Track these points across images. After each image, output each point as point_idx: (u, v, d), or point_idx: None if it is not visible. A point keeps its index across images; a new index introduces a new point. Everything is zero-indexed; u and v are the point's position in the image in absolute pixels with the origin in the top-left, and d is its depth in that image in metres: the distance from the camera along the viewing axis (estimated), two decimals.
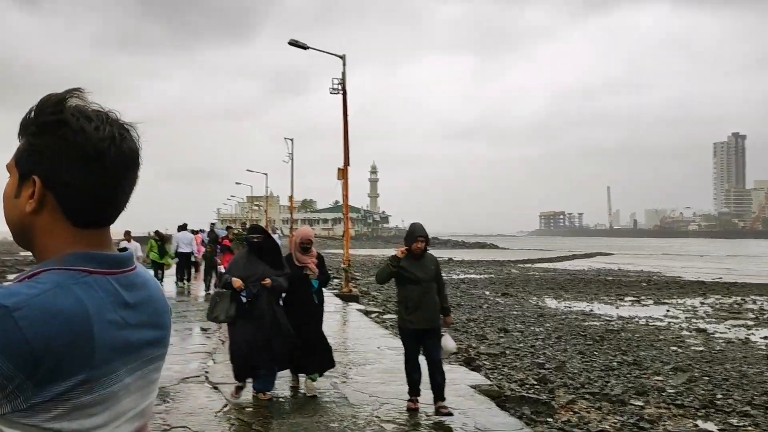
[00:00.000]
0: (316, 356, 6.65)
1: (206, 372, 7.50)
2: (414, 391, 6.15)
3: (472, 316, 16.22)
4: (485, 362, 10.07)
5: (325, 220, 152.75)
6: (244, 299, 6.06)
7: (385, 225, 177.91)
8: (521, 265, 45.48)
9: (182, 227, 20.00)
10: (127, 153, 1.11)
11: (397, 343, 9.79)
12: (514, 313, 17.33)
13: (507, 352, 11.16)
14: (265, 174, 51.93)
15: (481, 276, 33.29)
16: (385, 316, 14.62)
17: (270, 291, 6.14)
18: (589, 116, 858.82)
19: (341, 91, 18.01)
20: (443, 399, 5.98)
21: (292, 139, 36.72)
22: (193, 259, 19.44)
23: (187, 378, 7.21)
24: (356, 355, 8.68)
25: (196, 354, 8.60)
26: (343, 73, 17.99)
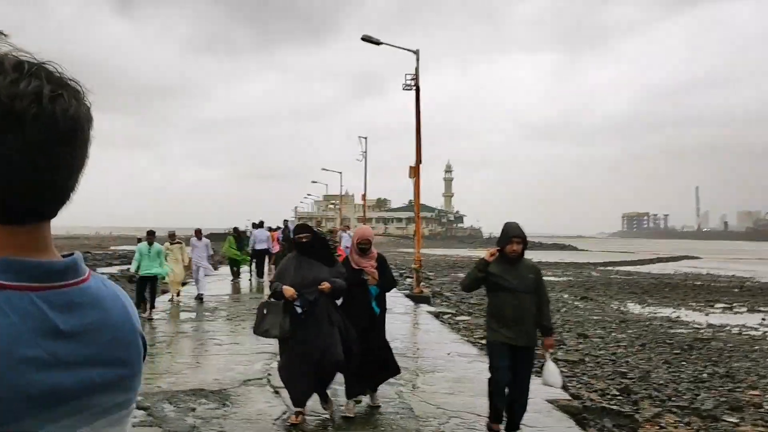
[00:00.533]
0: (374, 373, 5.90)
1: (269, 374, 7.28)
2: (497, 417, 5.28)
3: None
4: (563, 369, 9.45)
5: (399, 219, 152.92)
6: (299, 309, 5.27)
7: (459, 225, 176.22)
8: (602, 268, 43.74)
9: (258, 225, 20.35)
10: (59, 117, 0.78)
11: (469, 348, 9.35)
12: (594, 317, 16.55)
13: (586, 359, 10.56)
14: (340, 173, 52.55)
15: (560, 278, 32.18)
16: (458, 318, 14.16)
17: (328, 296, 5.35)
18: (677, 114, 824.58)
19: (414, 87, 17.63)
20: (516, 430, 5.24)
21: (365, 138, 36.65)
22: (268, 256, 20.01)
23: (249, 380, 7.01)
24: (425, 361, 8.28)
25: (260, 354, 8.42)
26: (416, 69, 17.61)
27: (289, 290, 5.21)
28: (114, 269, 35.07)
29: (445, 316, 14.01)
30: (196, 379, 7.10)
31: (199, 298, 14.22)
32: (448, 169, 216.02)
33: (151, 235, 12.31)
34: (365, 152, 36.19)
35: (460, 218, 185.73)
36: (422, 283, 17.54)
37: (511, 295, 5.03)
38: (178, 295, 14.26)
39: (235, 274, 19.55)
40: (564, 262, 50.67)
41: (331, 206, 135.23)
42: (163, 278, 12.88)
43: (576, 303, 20.28)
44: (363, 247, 5.84)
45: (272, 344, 9.26)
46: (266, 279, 18.38)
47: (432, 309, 14.79)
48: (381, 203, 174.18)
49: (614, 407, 7.05)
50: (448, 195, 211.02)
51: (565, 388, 9.10)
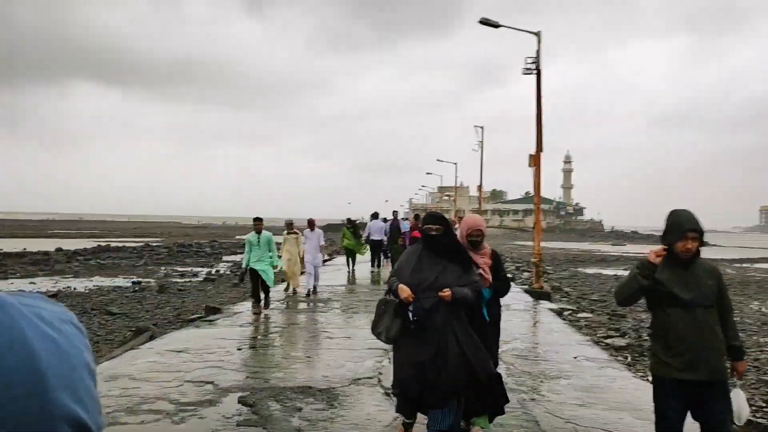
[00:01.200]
0: (486, 394, 4.57)
1: (380, 373, 6.85)
2: None
3: None
4: None
5: (515, 212, 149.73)
6: (411, 316, 4.34)
7: (578, 217, 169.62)
8: (737, 265, 40.27)
9: (374, 216, 20.47)
10: None
11: (597, 352, 8.47)
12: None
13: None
14: (455, 163, 51.74)
15: None
16: (579, 315, 13.19)
17: (450, 306, 4.29)
18: None
19: (535, 71, 16.63)
20: None
21: (482, 127, 35.68)
22: (384, 247, 20.09)
23: (359, 379, 6.60)
24: (549, 365, 7.52)
25: (372, 350, 8.01)
26: (538, 52, 16.59)
27: (404, 290, 4.29)
28: (238, 257, 36.60)
29: (566, 313, 13.09)
30: (305, 375, 6.79)
31: (313, 292, 13.77)
32: (567, 160, 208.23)
33: (258, 222, 11.31)
34: (481, 142, 35.24)
35: (579, 210, 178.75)
36: (542, 278, 16.56)
37: (686, 311, 3.73)
38: (294, 290, 13.92)
39: (351, 266, 19.65)
40: None
41: (446, 198, 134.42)
42: (275, 267, 11.73)
43: None
44: (474, 239, 4.87)
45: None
46: (383, 271, 18.16)
47: (553, 306, 13.86)
48: (496, 195, 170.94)
49: (761, 421, 6.04)
50: (567, 186, 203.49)
51: None
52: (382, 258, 20.83)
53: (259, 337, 9.09)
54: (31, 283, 21.40)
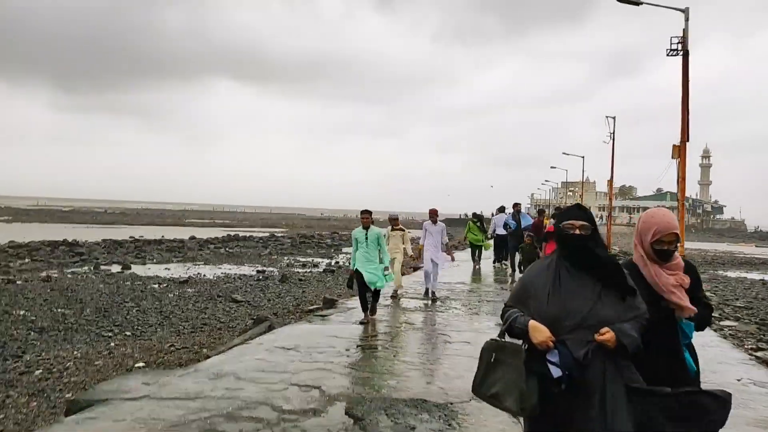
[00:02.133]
0: None
1: None
2: None
3: None
4: None
5: (646, 209, 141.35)
6: (556, 372, 2.74)
7: (718, 216, 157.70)
8: None
9: (500, 210, 20.88)
10: None
11: (765, 374, 7.15)
12: None
13: None
14: (582, 157, 49.06)
15: None
16: (722, 323, 11.61)
17: (611, 355, 2.74)
18: None
19: (681, 52, 14.94)
20: None
21: (614, 117, 33.41)
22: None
23: None
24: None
25: None
26: (685, 30, 14.89)
27: (540, 331, 2.73)
28: None
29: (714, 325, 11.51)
30: (420, 385, 6.08)
31: (432, 298, 11.94)
32: (706, 155, 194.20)
33: (366, 216, 9.62)
34: (612, 133, 33.01)
35: (719, 209, 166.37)
36: None
37: None
38: (396, 293, 12.21)
39: (476, 260, 19.68)
40: None
41: (570, 193, 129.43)
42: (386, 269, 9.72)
43: None
44: (666, 250, 3.10)
45: None
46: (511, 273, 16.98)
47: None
48: (625, 191, 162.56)
49: None
50: (705, 183, 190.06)
51: None
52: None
53: (371, 337, 8.50)
54: (166, 268, 22.29)
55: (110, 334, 10.54)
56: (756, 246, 68.90)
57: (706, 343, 8.79)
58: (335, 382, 6.08)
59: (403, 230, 12.25)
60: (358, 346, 7.85)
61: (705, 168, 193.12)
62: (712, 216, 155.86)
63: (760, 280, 25.66)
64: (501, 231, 18.89)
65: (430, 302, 11.60)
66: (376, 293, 9.74)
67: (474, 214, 20.34)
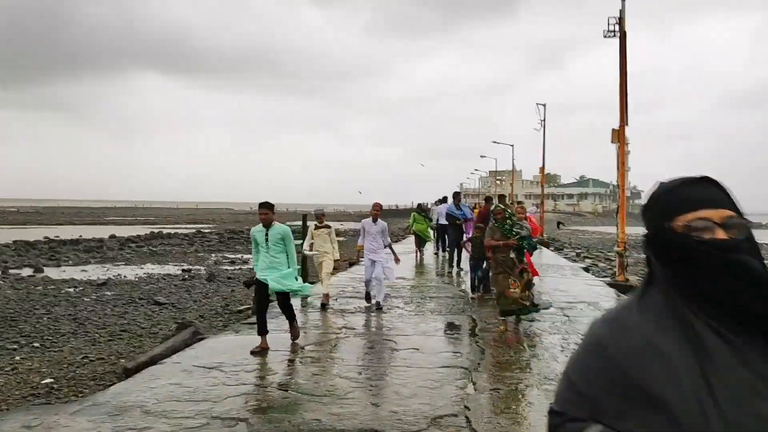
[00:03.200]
0: None
1: (467, 408, 5.17)
2: None
3: None
4: None
5: (570, 196, 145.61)
6: None
7: (636, 201, 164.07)
8: None
9: (442, 200, 20.95)
10: None
11: None
12: None
13: None
14: (512, 146, 49.30)
15: None
16: None
17: None
18: None
19: (618, 33, 14.56)
20: None
21: (544, 105, 33.40)
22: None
23: (440, 418, 4.91)
24: None
25: (448, 370, 6.36)
26: (621, 12, 14.53)
27: None
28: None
29: None
30: (367, 410, 5.11)
31: (377, 307, 9.95)
32: (625, 142, 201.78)
33: (264, 211, 7.41)
34: (543, 120, 33.00)
35: (637, 194, 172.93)
36: (626, 270, 14.60)
37: None
38: (325, 303, 10.17)
39: (421, 251, 19.93)
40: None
41: (498, 182, 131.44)
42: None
43: None
44: None
45: (460, 353, 7.23)
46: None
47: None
48: (550, 179, 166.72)
49: None
50: (624, 170, 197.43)
51: None
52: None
53: (307, 347, 7.50)
54: (83, 270, 21.07)
55: (15, 346, 9.32)
56: None
57: None
58: (267, 413, 5.08)
59: (330, 227, 10.62)
60: (291, 361, 6.85)
61: (625, 155, 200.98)
62: (631, 201, 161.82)
63: None
64: (443, 221, 18.67)
65: (374, 308, 10.00)
66: (288, 312, 7.57)
67: (419, 205, 20.65)
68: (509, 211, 9.09)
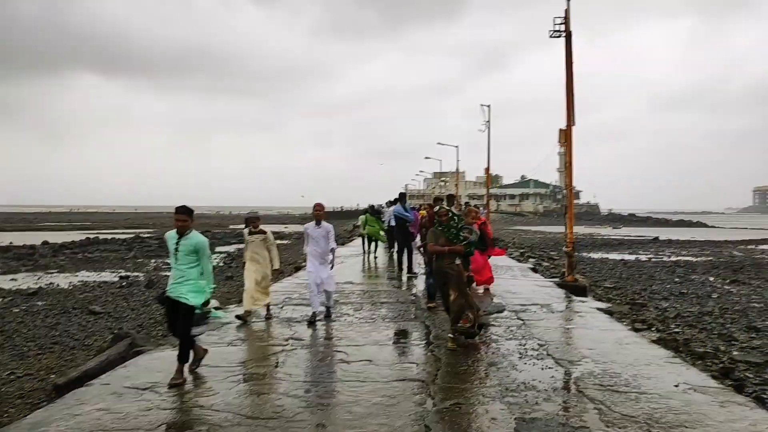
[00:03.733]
0: None
1: (426, 427, 4.78)
2: None
3: (705, 308, 13.30)
4: (748, 374, 7.36)
5: (512, 196, 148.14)
6: None
7: (575, 201, 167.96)
8: (743, 247, 38.69)
9: (393, 202, 20.74)
10: None
11: (698, 377, 6.45)
12: (756, 305, 13.89)
13: None
14: (456, 146, 49.56)
15: (698, 258, 28.70)
16: (596, 305, 11.28)
17: None
18: None
19: (564, 34, 14.51)
20: None
21: (488, 106, 33.52)
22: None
23: None
24: (651, 401, 5.47)
25: (404, 384, 5.97)
26: (566, 11, 14.49)
27: None
28: (232, 248, 34.70)
29: (616, 315, 11.12)
30: None
31: (311, 322, 8.97)
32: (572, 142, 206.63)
33: (181, 218, 6.33)
34: (488, 121, 33.10)
35: (576, 194, 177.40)
36: (575, 270, 14.56)
37: None
38: (247, 314, 9.07)
39: (372, 252, 20.43)
40: (697, 240, 46.20)
41: (441, 183, 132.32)
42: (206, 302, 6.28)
43: (727, 287, 17.49)
44: None
45: (415, 365, 6.84)
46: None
47: (600, 305, 11.85)
48: (493, 179, 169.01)
49: None
50: (563, 170, 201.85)
51: (709, 362, 7.82)
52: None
53: (251, 360, 6.97)
54: (12, 279, 19.97)
55: None
56: (612, 228, 73.59)
57: (623, 341, 8.09)
58: None
59: (266, 233, 9.37)
60: (234, 377, 6.31)
61: (562, 156, 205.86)
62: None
63: (621, 260, 26.94)
64: (393, 222, 18.76)
65: (311, 325, 8.88)
66: (186, 334, 6.20)
67: (371, 207, 21.12)
68: (453, 212, 8.02)
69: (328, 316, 9.40)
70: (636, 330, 9.38)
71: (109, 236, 44.96)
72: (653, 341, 8.50)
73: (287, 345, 7.70)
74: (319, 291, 9.08)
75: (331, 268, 9.31)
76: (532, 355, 7.07)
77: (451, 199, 12.70)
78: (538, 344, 7.64)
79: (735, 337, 10.04)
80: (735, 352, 8.70)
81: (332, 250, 9.26)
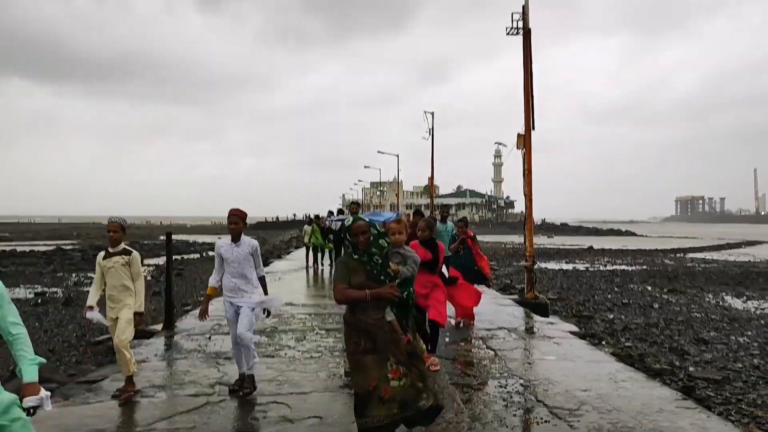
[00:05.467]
0: None
1: None
2: None
3: (650, 320, 13.00)
4: (710, 393, 7.02)
5: (447, 206, 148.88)
6: None
7: (510, 211, 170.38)
8: (673, 255, 39.59)
9: (339, 212, 21.13)
10: None
11: (709, 420, 5.28)
12: (697, 315, 13.93)
13: (730, 375, 8.07)
14: (397, 155, 48.53)
15: (632, 267, 29.12)
16: (601, 341, 10.36)
17: None
18: (748, 95, 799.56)
19: (522, 30, 13.48)
20: None
21: (432, 113, 32.55)
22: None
23: None
24: None
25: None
26: (525, 6, 13.46)
27: None
28: (161, 260, 32.12)
29: (595, 339, 10.18)
30: None
31: (234, 390, 6.10)
32: (498, 154, 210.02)
33: (115, 226, 5.79)
34: (432, 129, 32.09)
35: (510, 204, 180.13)
36: (536, 287, 13.47)
37: None
38: (129, 383, 6.00)
39: (320, 262, 20.60)
40: (629, 249, 47.31)
41: (379, 193, 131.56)
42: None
43: (665, 297, 17.42)
44: None
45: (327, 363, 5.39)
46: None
47: (571, 327, 10.72)
48: (428, 189, 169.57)
49: None
50: (498, 180, 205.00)
51: (667, 378, 7.53)
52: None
53: (165, 420, 5.32)
54: None
55: None
56: (547, 237, 74.42)
57: (616, 376, 6.88)
58: None
59: (129, 254, 6.02)
60: None
61: (497, 167, 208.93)
62: (505, 211, 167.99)
63: (559, 269, 26.61)
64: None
65: (236, 395, 6.01)
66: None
67: (316, 216, 21.28)
68: (377, 228, 4.40)
69: (248, 386, 6.10)
70: (619, 358, 8.24)
71: (27, 248, 41.66)
72: (649, 375, 7.40)
73: (213, 394, 6.05)
74: (249, 338, 6.02)
75: (263, 310, 6.27)
76: (518, 403, 5.74)
77: (419, 213, 9.92)
78: (522, 385, 6.33)
79: (686, 350, 9.74)
80: (691, 368, 8.40)
81: (261, 280, 6.20)
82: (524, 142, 13.30)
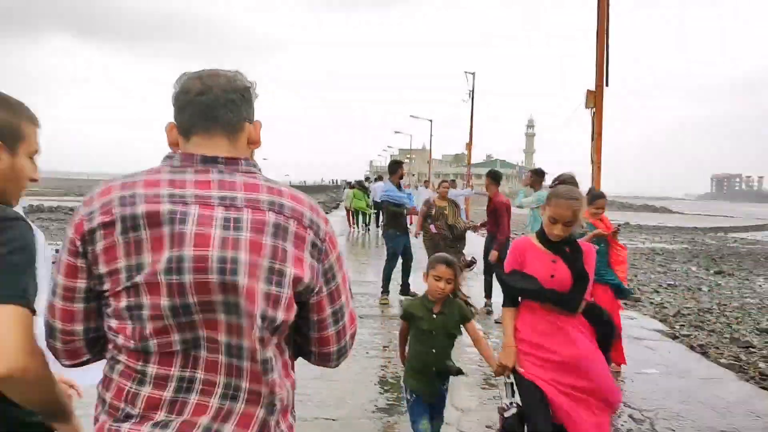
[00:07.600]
0: None
1: None
2: None
3: (702, 304, 11.40)
4: None
5: (478, 176, 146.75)
6: None
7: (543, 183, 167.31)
8: (712, 234, 37.30)
9: (378, 178, 22.62)
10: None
11: None
12: (751, 301, 12.25)
13: None
14: (430, 120, 46.42)
15: (673, 246, 26.84)
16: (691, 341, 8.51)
17: None
18: None
19: None
20: None
21: (473, 73, 30.45)
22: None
23: None
24: None
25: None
26: None
27: None
28: None
29: (679, 340, 8.35)
30: None
31: None
32: (530, 124, 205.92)
33: None
34: (472, 91, 30.06)
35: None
36: None
37: None
38: None
39: (364, 225, 21.43)
40: (667, 226, 44.38)
41: (407, 160, 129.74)
42: None
43: (712, 279, 15.69)
44: None
45: (372, 364, 3.76)
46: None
47: (657, 324, 8.96)
48: (459, 158, 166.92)
49: None
50: (530, 152, 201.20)
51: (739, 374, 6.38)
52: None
53: None
54: None
55: None
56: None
57: (745, 400, 5.13)
58: None
59: None
60: None
61: (530, 137, 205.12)
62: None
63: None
64: (378, 199, 18.41)
65: None
66: None
67: (358, 182, 22.37)
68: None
69: None
70: (739, 370, 6.52)
71: (55, 204, 40.67)
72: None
73: None
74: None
75: None
76: None
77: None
78: (633, 419, 4.61)
79: (750, 342, 8.44)
80: (761, 364, 7.15)
81: None
82: (594, 100, 11.36)
